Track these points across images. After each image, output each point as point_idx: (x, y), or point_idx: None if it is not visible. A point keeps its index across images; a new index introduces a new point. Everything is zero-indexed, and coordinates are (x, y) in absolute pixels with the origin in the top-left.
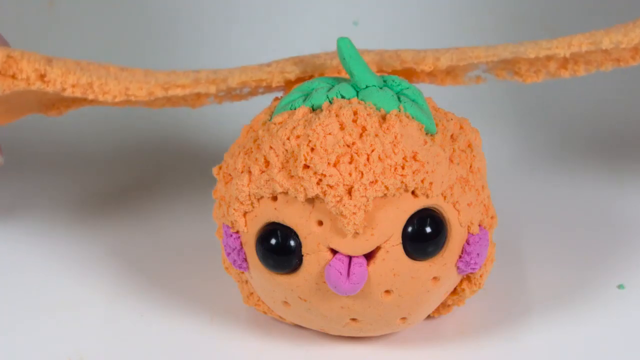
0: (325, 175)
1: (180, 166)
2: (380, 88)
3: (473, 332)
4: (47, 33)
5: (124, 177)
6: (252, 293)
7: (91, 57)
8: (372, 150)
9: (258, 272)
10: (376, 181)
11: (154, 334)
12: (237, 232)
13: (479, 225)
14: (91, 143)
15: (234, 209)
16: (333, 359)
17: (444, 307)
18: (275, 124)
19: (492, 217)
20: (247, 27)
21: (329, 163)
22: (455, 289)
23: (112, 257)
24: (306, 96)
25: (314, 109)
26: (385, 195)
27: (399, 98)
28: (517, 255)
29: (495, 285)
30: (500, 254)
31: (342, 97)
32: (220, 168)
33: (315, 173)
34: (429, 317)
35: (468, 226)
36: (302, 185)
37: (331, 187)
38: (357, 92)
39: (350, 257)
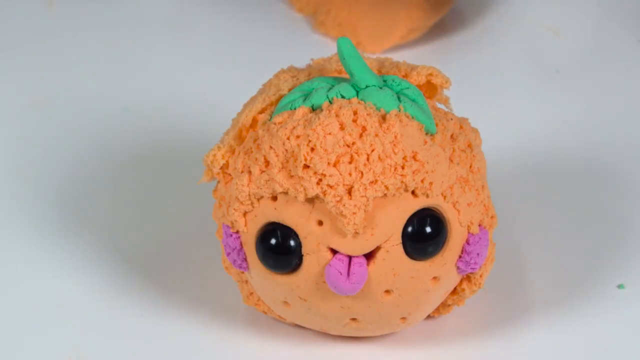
0: (325, 175)
1: (179, 166)
2: (380, 88)
3: (473, 332)
4: (47, 33)
5: (124, 177)
6: (252, 293)
7: (91, 57)
8: (372, 150)
9: (258, 272)
10: (376, 181)
11: (154, 334)
12: (237, 232)
13: (479, 225)
14: (89, 142)
15: (234, 209)
16: (333, 359)
17: (444, 307)
18: (275, 123)
19: (492, 217)
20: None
21: (328, 163)
22: (455, 288)
23: (111, 257)
24: (306, 96)
25: (314, 109)
26: (385, 195)
27: (398, 98)
28: (517, 255)
29: (495, 285)
30: (500, 254)
31: (342, 97)
32: (212, 156)
33: (315, 173)
34: (429, 317)
35: (468, 226)
36: (302, 185)
37: (331, 187)
38: (357, 92)
39: (350, 257)
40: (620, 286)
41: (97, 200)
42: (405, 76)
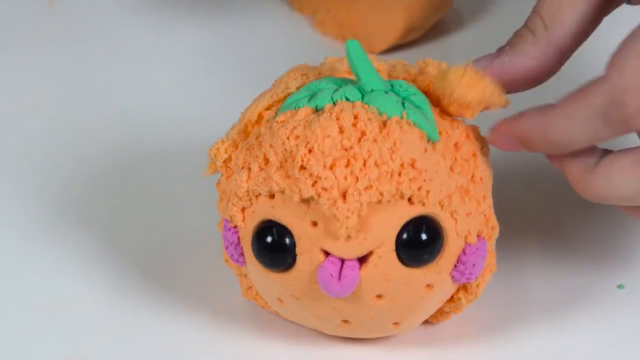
0: (320, 178)
1: (179, 166)
2: (386, 92)
3: (473, 335)
4: (47, 33)
5: (124, 176)
6: (250, 287)
7: (91, 57)
8: (369, 156)
9: (254, 268)
10: (371, 186)
11: (154, 329)
12: (235, 226)
13: (478, 236)
14: (89, 141)
15: (233, 204)
16: (333, 357)
17: (442, 314)
18: (277, 122)
19: (492, 228)
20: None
21: (324, 166)
22: (452, 297)
23: (112, 256)
24: (312, 96)
25: (317, 110)
26: (379, 201)
27: (403, 104)
28: (517, 255)
29: (495, 287)
30: (500, 254)
31: (347, 99)
32: (216, 149)
33: (310, 175)
34: (427, 323)
35: (465, 236)
36: (297, 186)
37: (326, 189)
38: (363, 95)
39: (343, 260)
40: (620, 286)
41: (97, 200)
42: (414, 80)
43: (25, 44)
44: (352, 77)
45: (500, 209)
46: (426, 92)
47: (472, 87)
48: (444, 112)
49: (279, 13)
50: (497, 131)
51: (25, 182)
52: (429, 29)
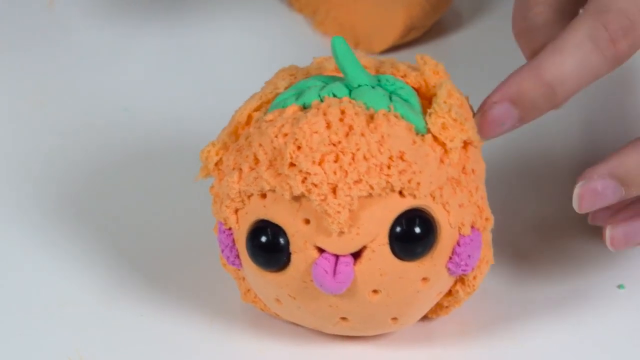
0: (310, 174)
1: (179, 166)
2: (373, 87)
3: (473, 332)
4: (47, 33)
5: (124, 177)
6: (249, 290)
7: (91, 57)
8: (358, 150)
9: (250, 269)
10: (360, 180)
11: (153, 332)
12: (230, 228)
13: (471, 227)
14: (89, 143)
15: (226, 206)
16: (333, 357)
17: (440, 308)
18: (266, 121)
19: (486, 219)
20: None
21: (313, 161)
22: (449, 290)
23: (112, 256)
24: (299, 94)
25: (305, 107)
26: (370, 194)
27: (390, 98)
28: (517, 255)
29: (494, 286)
30: (499, 254)
31: (334, 95)
32: (207, 152)
33: (300, 171)
34: (427, 318)
35: (459, 227)
36: (287, 184)
37: (315, 185)
38: (350, 90)
39: (337, 256)
40: (620, 286)
41: (97, 200)
42: (404, 76)
43: (25, 44)
44: (340, 75)
45: (501, 207)
46: (418, 89)
47: (448, 130)
48: None
49: (279, 13)
50: (489, 105)
51: (25, 182)
52: (429, 29)
